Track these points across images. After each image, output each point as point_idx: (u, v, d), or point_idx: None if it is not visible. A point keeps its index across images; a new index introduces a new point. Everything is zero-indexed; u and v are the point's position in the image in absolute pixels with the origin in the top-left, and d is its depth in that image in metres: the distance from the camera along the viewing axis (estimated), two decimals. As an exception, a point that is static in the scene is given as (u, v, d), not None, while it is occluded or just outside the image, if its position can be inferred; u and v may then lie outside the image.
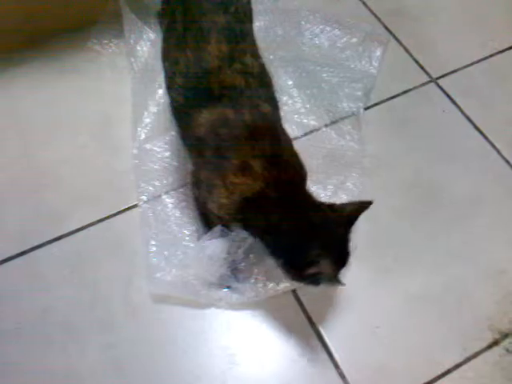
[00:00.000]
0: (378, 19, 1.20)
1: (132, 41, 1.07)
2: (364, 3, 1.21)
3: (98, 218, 0.92)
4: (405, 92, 1.09)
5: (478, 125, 1.05)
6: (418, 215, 0.94)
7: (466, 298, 0.87)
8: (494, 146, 1.02)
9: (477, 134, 1.04)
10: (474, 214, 0.95)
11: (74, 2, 1.07)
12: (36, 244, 0.89)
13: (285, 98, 1.03)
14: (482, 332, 0.84)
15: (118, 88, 1.06)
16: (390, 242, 0.91)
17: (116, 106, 1.04)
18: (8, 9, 1.02)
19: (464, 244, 0.91)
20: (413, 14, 1.22)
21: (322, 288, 0.78)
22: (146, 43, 1.07)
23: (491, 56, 1.15)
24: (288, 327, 0.84)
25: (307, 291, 0.85)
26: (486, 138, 1.03)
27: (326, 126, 1.02)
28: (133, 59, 1.06)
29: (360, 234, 0.78)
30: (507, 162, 1.00)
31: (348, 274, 0.77)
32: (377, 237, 0.90)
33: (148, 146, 0.97)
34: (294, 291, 0.86)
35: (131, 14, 1.06)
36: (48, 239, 0.90)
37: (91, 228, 0.91)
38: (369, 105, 1.06)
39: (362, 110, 1.04)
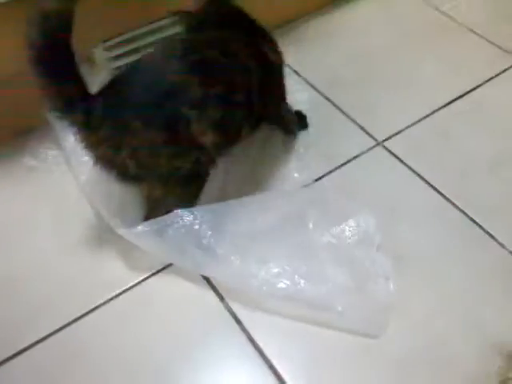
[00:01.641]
0: (317, 90, 1.25)
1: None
2: (298, 74, 1.27)
3: (61, 325, 0.88)
4: (354, 157, 1.12)
5: (430, 180, 1.07)
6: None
7: (449, 356, 0.85)
8: (447, 199, 1.04)
9: (430, 189, 1.06)
10: (442, 270, 0.95)
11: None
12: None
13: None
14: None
15: (63, 186, 1.06)
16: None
17: (67, 204, 1.04)
18: None
19: (437, 301, 0.91)
20: (350, 81, 1.28)
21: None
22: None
23: (432, 113, 1.21)
24: None
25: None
26: (439, 192, 1.06)
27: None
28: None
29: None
30: (463, 212, 1.02)
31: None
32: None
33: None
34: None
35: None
36: (11, 353, 0.85)
37: (55, 336, 0.87)
38: (319, 175, 1.08)
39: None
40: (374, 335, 0.85)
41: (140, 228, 0.88)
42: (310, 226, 0.94)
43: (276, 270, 0.87)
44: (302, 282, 0.86)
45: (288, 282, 0.86)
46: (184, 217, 0.89)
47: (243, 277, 0.87)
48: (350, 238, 0.93)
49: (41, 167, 1.09)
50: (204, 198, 0.96)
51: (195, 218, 0.90)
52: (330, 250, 0.91)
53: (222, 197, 0.99)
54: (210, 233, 0.90)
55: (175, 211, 0.89)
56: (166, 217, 0.89)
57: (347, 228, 0.94)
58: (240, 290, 0.88)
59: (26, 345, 0.86)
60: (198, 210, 0.91)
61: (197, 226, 0.90)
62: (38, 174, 1.09)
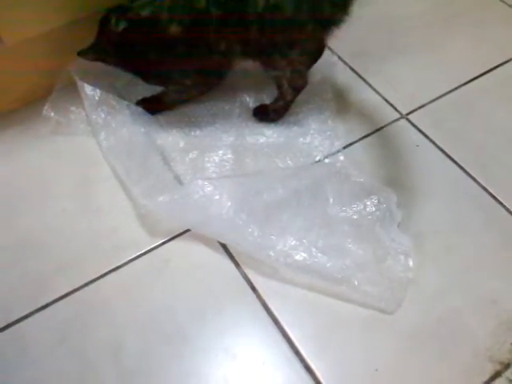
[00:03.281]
0: (344, 62, 1.23)
1: (89, 105, 1.07)
2: (329, 48, 1.24)
3: (84, 283, 0.91)
4: (377, 130, 1.11)
5: (452, 155, 1.06)
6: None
7: (461, 331, 0.86)
8: (468, 174, 1.03)
9: (451, 164, 1.05)
10: (459, 245, 0.95)
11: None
12: (21, 315, 0.87)
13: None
14: (484, 365, 0.82)
15: (86, 150, 1.07)
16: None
17: (89, 168, 1.05)
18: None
19: (452, 276, 0.91)
20: (377, 54, 1.25)
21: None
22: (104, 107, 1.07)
23: (458, 87, 1.18)
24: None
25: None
26: (460, 166, 1.05)
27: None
28: (95, 118, 1.06)
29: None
30: (484, 188, 1.02)
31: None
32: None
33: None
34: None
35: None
36: (33, 309, 0.88)
37: (77, 293, 0.90)
38: (341, 147, 1.07)
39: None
40: (390, 311, 0.86)
41: (161, 198, 0.89)
42: (331, 200, 0.94)
43: (294, 243, 0.88)
44: (320, 255, 0.87)
45: (305, 255, 0.87)
46: (204, 187, 0.90)
47: (260, 248, 0.88)
48: (370, 215, 0.92)
49: (64, 129, 1.10)
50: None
51: (215, 189, 0.91)
52: (349, 226, 0.91)
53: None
54: (229, 203, 0.91)
55: (196, 181, 0.90)
56: (186, 187, 0.90)
57: (368, 204, 0.93)
58: (256, 258, 0.90)
59: (48, 300, 0.89)
60: (219, 181, 0.92)
61: (217, 197, 0.91)
62: (62, 135, 1.09)
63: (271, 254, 0.88)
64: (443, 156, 1.06)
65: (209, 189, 0.92)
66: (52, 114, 1.09)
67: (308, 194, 0.96)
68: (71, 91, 1.07)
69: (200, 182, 0.92)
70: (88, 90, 1.04)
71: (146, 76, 1.04)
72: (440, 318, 0.87)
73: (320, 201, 0.96)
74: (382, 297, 0.85)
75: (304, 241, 0.89)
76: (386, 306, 0.85)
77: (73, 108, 1.10)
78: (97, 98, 1.04)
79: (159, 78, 1.05)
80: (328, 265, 0.87)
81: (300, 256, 0.87)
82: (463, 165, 1.05)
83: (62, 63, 1.03)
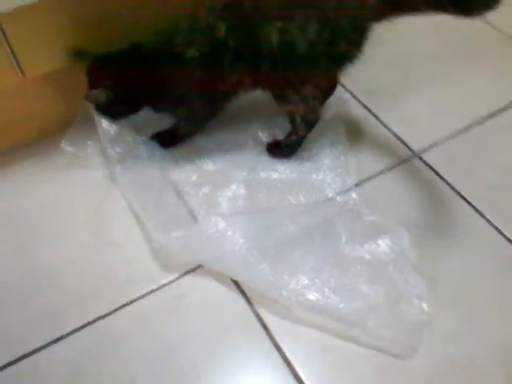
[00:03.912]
0: (357, 99, 1.24)
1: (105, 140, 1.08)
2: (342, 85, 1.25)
3: (98, 316, 0.91)
4: (390, 168, 1.11)
5: (466, 196, 1.06)
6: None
7: (476, 377, 0.84)
8: (483, 216, 1.03)
9: (465, 205, 1.05)
10: (473, 290, 0.94)
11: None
12: (37, 347, 0.88)
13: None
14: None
15: (102, 183, 1.09)
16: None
17: (105, 201, 1.06)
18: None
19: (467, 321, 0.90)
20: (390, 91, 1.26)
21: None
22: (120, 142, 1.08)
23: (473, 125, 1.18)
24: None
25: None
26: (474, 208, 1.04)
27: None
28: (111, 153, 1.07)
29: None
30: (499, 231, 1.01)
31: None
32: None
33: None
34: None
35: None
36: (48, 341, 0.89)
37: (91, 326, 0.90)
38: (352, 185, 1.07)
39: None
40: (404, 356, 0.85)
41: (175, 233, 0.90)
42: (343, 238, 0.94)
43: (306, 282, 0.88)
44: (332, 295, 0.86)
45: (317, 295, 0.87)
46: (218, 223, 0.91)
47: (273, 286, 0.88)
48: (383, 254, 0.92)
49: (81, 162, 1.11)
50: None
51: (228, 225, 0.91)
52: (362, 266, 0.91)
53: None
54: (242, 240, 0.91)
55: (209, 217, 0.91)
56: (200, 223, 0.91)
57: (381, 243, 0.94)
58: (269, 297, 0.90)
59: (63, 333, 0.89)
60: (232, 217, 0.92)
61: (230, 233, 0.91)
62: (78, 168, 1.11)
63: (283, 292, 0.87)
64: (457, 196, 1.06)
65: (222, 225, 0.92)
66: (69, 147, 1.10)
67: (320, 231, 0.97)
68: (88, 125, 1.08)
69: (213, 218, 0.92)
70: (104, 124, 1.05)
71: (157, 101, 1.05)
72: (454, 363, 0.86)
73: (332, 239, 0.96)
74: (396, 341, 0.84)
75: (316, 280, 0.89)
76: (401, 350, 0.84)
77: (89, 142, 1.12)
78: (113, 132, 1.06)
79: (169, 103, 1.05)
80: (340, 306, 0.86)
81: (312, 295, 0.87)
82: (478, 206, 1.04)
83: (80, 97, 1.05)
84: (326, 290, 0.87)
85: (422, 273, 0.92)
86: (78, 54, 1.00)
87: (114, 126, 1.06)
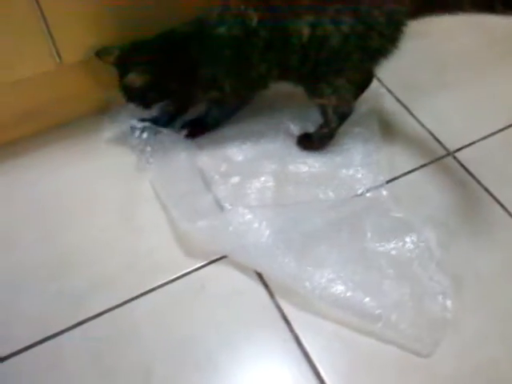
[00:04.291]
0: (393, 94, 1.22)
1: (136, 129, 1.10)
2: (378, 79, 1.24)
3: (118, 303, 0.92)
4: (422, 166, 1.09)
5: (498, 197, 1.03)
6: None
7: (499, 382, 0.83)
8: (513, 217, 1.01)
9: (497, 206, 1.02)
10: (500, 291, 0.92)
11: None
12: (58, 330, 0.89)
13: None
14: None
15: (133, 169, 1.09)
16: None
17: (135, 187, 1.07)
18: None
19: (492, 323, 0.88)
20: (427, 88, 1.24)
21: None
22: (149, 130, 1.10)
23: (506, 127, 1.16)
24: None
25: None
26: (506, 210, 1.02)
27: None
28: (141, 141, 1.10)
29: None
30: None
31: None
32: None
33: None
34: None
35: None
36: (69, 325, 0.89)
37: (110, 313, 0.91)
38: (383, 182, 1.06)
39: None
40: (426, 353, 0.83)
41: (200, 223, 0.90)
42: (369, 234, 0.93)
43: (331, 276, 0.87)
44: (357, 290, 0.86)
45: (342, 289, 0.86)
46: (245, 215, 0.91)
47: (297, 279, 0.88)
48: (409, 252, 0.91)
49: (115, 147, 1.13)
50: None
51: (255, 217, 0.91)
52: (387, 262, 0.90)
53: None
54: (268, 232, 0.91)
55: (237, 208, 0.91)
56: (226, 213, 0.91)
57: (407, 241, 0.92)
58: (292, 289, 0.89)
59: (83, 318, 0.90)
60: (259, 209, 0.92)
61: (256, 225, 0.91)
62: (112, 153, 1.12)
63: (307, 285, 0.87)
64: (489, 197, 1.04)
65: (249, 216, 0.92)
66: (104, 132, 1.12)
67: (347, 226, 0.96)
68: (124, 111, 1.10)
69: (240, 209, 0.93)
70: (135, 113, 1.08)
71: (189, 84, 1.04)
72: (477, 366, 0.84)
73: (358, 234, 0.95)
74: (418, 337, 0.83)
75: (341, 274, 0.88)
76: (422, 347, 0.83)
77: (124, 128, 1.13)
78: (142, 122, 1.08)
79: (202, 85, 1.04)
80: (364, 300, 0.86)
81: (336, 289, 0.87)
82: (510, 209, 1.02)
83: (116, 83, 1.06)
84: (351, 284, 0.87)
85: (447, 271, 0.90)
86: (102, 52, 1.02)
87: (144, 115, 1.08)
